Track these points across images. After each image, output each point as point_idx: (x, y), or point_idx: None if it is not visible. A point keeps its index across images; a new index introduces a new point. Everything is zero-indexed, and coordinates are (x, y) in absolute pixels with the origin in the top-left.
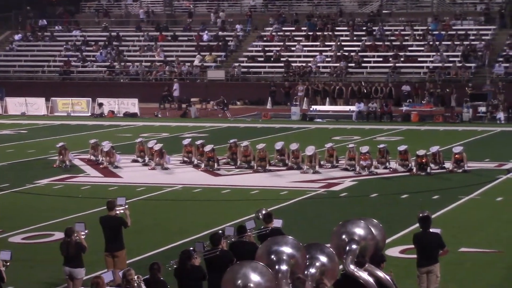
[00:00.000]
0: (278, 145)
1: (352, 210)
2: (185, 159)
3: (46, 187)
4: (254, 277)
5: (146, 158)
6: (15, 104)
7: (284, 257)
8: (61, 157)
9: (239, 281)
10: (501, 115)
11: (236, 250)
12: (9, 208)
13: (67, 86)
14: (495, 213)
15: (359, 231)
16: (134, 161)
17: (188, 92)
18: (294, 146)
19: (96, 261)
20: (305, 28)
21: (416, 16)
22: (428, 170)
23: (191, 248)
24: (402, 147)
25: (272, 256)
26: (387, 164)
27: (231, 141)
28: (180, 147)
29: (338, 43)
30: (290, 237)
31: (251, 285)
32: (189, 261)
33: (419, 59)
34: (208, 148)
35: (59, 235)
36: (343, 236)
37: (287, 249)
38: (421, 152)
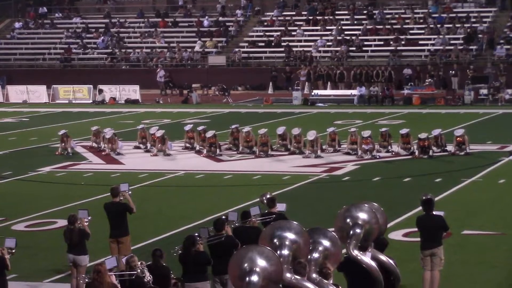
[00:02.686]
0: (280, 130)
1: (355, 194)
2: (187, 145)
3: (48, 174)
4: (260, 262)
5: (148, 145)
6: (16, 92)
7: (287, 242)
8: (63, 144)
9: (245, 265)
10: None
11: (240, 235)
12: (11, 196)
13: (68, 73)
14: (497, 195)
15: (363, 215)
16: (136, 147)
17: (189, 78)
18: (296, 131)
19: (101, 248)
20: (305, 13)
21: None
22: (430, 153)
23: (196, 234)
24: (404, 131)
25: (275, 241)
26: (389, 147)
27: (233, 126)
28: (182, 133)
29: (339, 27)
30: (294, 222)
31: (257, 269)
32: (193, 247)
33: (420, 42)
34: (210, 134)
35: (62, 222)
36: (347, 220)
37: (290, 235)
38: (423, 135)
